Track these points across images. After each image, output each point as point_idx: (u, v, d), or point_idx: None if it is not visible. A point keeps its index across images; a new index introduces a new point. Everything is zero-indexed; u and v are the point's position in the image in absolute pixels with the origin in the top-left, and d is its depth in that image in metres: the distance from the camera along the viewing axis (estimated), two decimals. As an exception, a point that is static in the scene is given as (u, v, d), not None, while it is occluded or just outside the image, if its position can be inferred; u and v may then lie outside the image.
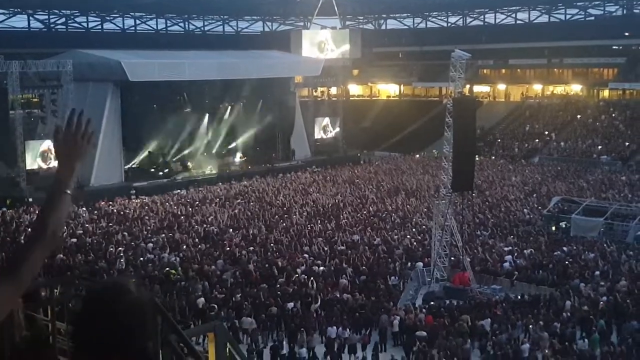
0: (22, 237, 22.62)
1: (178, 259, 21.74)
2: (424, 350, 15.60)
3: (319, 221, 27.36)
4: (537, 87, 58.46)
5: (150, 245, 23.33)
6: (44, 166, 32.73)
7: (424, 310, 18.43)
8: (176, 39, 61.67)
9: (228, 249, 23.11)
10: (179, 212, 29.24)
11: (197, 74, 38.28)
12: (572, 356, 15.30)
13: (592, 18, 59.60)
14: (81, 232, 25.16)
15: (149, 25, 64.58)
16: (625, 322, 17.00)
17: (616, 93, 54.59)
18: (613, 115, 50.64)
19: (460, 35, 58.75)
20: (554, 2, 59.41)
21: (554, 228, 26.67)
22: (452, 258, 22.09)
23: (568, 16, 60.72)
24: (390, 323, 17.29)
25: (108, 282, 1.85)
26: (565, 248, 23.58)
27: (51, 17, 58.63)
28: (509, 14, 63.14)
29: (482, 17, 64.48)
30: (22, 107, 33.37)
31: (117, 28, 62.57)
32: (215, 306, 17.39)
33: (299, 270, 20.57)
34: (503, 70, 60.94)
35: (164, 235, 24.81)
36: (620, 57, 54.87)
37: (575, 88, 56.74)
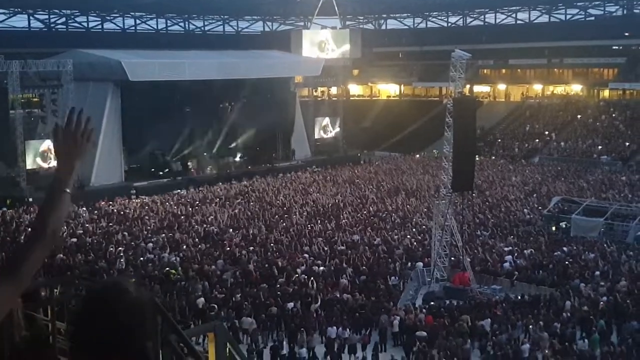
0: (22, 237, 22.62)
1: (178, 258, 21.74)
2: (424, 350, 15.59)
3: (319, 221, 27.36)
4: (538, 87, 58.45)
5: (151, 245, 23.33)
6: (44, 166, 32.73)
7: (424, 310, 18.43)
8: (176, 38, 61.66)
9: (228, 249, 23.11)
10: (179, 212, 29.24)
11: (197, 73, 38.26)
12: (572, 356, 15.30)
13: (592, 18, 59.60)
14: (81, 231, 25.16)
15: (149, 25, 64.59)
16: (625, 322, 17.00)
17: (616, 93, 54.59)
18: (613, 115, 50.64)
19: (460, 35, 58.73)
20: (554, 2, 59.42)
21: (554, 228, 26.67)
22: (452, 258, 22.08)
23: (568, 16, 60.73)
24: (390, 323, 17.29)
25: (107, 282, 1.84)
26: (565, 248, 23.58)
27: (51, 16, 58.64)
28: (509, 14, 63.14)
29: (483, 17, 64.48)
30: (22, 106, 33.35)
31: (118, 28, 62.57)
32: (215, 306, 17.39)
33: (299, 270, 20.57)
34: (503, 70, 60.94)
35: (164, 235, 24.81)
36: (621, 57, 54.87)
37: (576, 88, 56.74)
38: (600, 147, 45.77)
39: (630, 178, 37.76)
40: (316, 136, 48.26)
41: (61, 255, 21.01)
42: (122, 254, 21.78)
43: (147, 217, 28.13)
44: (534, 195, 32.96)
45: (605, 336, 16.50)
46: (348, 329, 16.88)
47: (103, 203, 30.96)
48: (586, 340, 16.21)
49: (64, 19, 59.71)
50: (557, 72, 58.73)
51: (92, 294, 1.80)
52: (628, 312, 17.40)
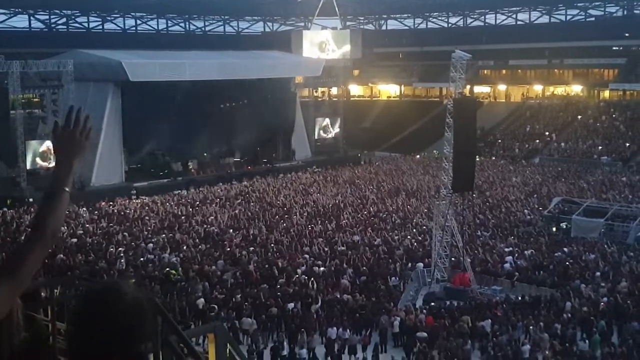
0: (23, 237, 22.61)
1: (178, 259, 21.72)
2: (425, 351, 15.58)
3: (319, 222, 27.35)
4: (538, 88, 58.45)
5: (151, 245, 23.32)
6: (45, 166, 32.72)
7: (424, 311, 18.41)
8: (177, 39, 61.70)
9: (228, 249, 23.09)
10: (180, 213, 29.24)
11: (197, 74, 38.26)
12: (573, 357, 15.28)
13: (593, 19, 59.62)
14: (81, 232, 25.15)
15: (149, 26, 64.64)
16: (626, 323, 16.99)
17: (617, 94, 54.60)
18: (613, 116, 50.64)
19: (460, 35, 58.75)
20: (555, 2, 59.44)
21: (554, 229, 26.65)
22: (453, 259, 22.06)
23: (568, 17, 60.76)
24: (391, 324, 17.27)
25: (105, 283, 1.83)
26: (565, 249, 23.57)
27: (52, 17, 58.70)
28: (509, 14, 63.16)
29: (483, 17, 64.51)
30: (22, 107, 33.35)
31: (118, 28, 62.62)
32: (216, 307, 17.38)
33: (299, 271, 20.56)
34: (503, 71, 60.95)
35: (164, 235, 24.79)
36: (621, 57, 54.91)
37: (576, 89, 56.75)
38: (600, 147, 45.77)
39: (631, 179, 37.74)
40: (316, 136, 48.26)
41: (61, 256, 21.01)
42: (122, 255, 21.78)
43: (147, 218, 28.12)
44: (535, 195, 32.95)
45: (605, 337, 16.49)
46: (348, 330, 16.86)
47: (103, 203, 30.96)
48: (587, 341, 16.20)
49: (64, 19, 59.77)
50: (557, 73, 58.73)
51: (89, 295, 1.79)
52: (629, 312, 17.38)
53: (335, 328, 16.64)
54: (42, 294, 3.45)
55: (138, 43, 51.54)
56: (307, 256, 22.26)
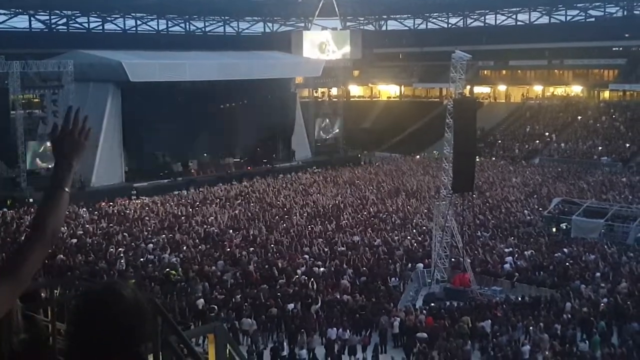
0: (23, 238, 22.57)
1: (178, 259, 21.72)
2: (425, 351, 15.58)
3: (319, 222, 27.35)
4: (538, 88, 58.46)
5: (151, 245, 23.32)
6: (45, 166, 32.72)
7: (424, 311, 18.41)
8: (177, 39, 61.72)
9: (228, 249, 23.09)
10: (180, 213, 29.24)
11: (197, 74, 38.28)
12: (573, 358, 15.28)
13: (593, 19, 59.65)
14: (81, 232, 25.15)
15: (150, 26, 64.65)
16: (626, 323, 16.99)
17: (617, 94, 54.61)
18: (613, 116, 50.65)
19: (460, 36, 58.77)
20: (555, 3, 59.47)
21: (554, 229, 26.65)
22: (453, 259, 22.05)
23: (568, 17, 60.78)
24: (391, 324, 17.27)
25: (105, 283, 1.84)
26: (565, 249, 23.56)
27: (52, 17, 58.72)
28: (509, 15, 63.17)
29: (483, 18, 64.52)
30: (23, 107, 33.36)
31: (118, 29, 62.63)
32: (216, 307, 17.37)
33: (299, 271, 20.56)
34: (503, 71, 60.95)
35: (164, 235, 24.80)
36: (621, 58, 54.93)
37: (576, 89, 56.76)
38: (600, 148, 45.78)
39: (631, 179, 37.75)
40: (316, 137, 48.27)
41: (61, 256, 21.01)
42: (122, 255, 21.78)
43: (147, 218, 28.12)
44: (535, 196, 32.95)
45: (605, 338, 16.48)
46: (348, 330, 16.86)
47: (103, 204, 30.96)
48: (587, 342, 16.19)
49: (64, 20, 59.79)
50: (557, 73, 58.74)
51: (89, 295, 1.79)
52: (629, 313, 17.38)
53: (335, 328, 16.64)
54: (42, 294, 3.45)
55: (138, 43, 51.54)
56: (307, 257, 22.26)
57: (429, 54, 60.32)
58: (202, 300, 17.88)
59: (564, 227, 26.43)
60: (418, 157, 47.88)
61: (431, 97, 62.07)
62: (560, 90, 58.01)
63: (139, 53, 41.05)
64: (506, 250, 23.59)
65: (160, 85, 35.77)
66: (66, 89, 33.46)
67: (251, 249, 23.08)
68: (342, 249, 23.36)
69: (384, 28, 70.04)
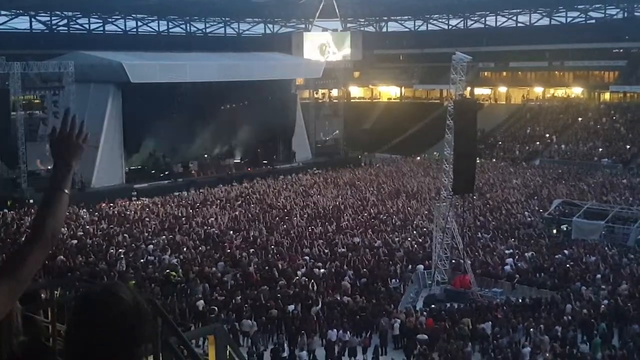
0: (23, 239, 22.58)
1: (178, 260, 21.72)
2: (425, 353, 15.56)
3: (319, 223, 27.33)
4: (538, 90, 58.48)
5: (151, 247, 23.32)
6: (45, 167, 32.72)
7: (424, 313, 18.40)
8: (177, 40, 61.79)
9: (229, 251, 23.08)
10: (180, 214, 29.24)
11: (198, 75, 38.30)
12: (573, 360, 15.26)
13: (593, 21, 59.66)
14: (82, 233, 25.15)
15: (150, 27, 64.70)
16: (627, 325, 16.98)
17: (617, 96, 54.62)
18: (614, 118, 50.66)
19: (461, 37, 58.81)
20: (555, 5, 59.48)
21: (555, 231, 26.63)
22: (453, 261, 22.04)
23: (569, 19, 60.80)
24: (391, 326, 17.25)
25: (105, 285, 1.83)
26: (566, 251, 23.55)
27: (53, 18, 58.78)
28: (509, 16, 63.19)
29: (483, 19, 64.53)
30: (23, 108, 33.38)
31: (119, 30, 62.67)
32: (216, 308, 17.36)
33: (299, 273, 20.55)
34: (504, 73, 60.97)
35: (164, 237, 24.79)
36: (621, 60, 54.91)
37: (576, 91, 56.79)
38: (601, 149, 45.77)
39: (631, 181, 37.73)
40: (317, 138, 48.27)
41: (62, 257, 21.01)
42: (122, 256, 21.78)
43: (147, 219, 28.12)
44: (535, 197, 32.93)
45: (606, 339, 16.47)
46: (348, 332, 16.84)
47: (104, 205, 30.96)
48: (587, 344, 16.18)
49: (65, 21, 59.84)
50: (557, 75, 58.76)
51: (89, 296, 1.79)
52: (629, 315, 17.37)
53: (335, 330, 16.62)
54: (43, 295, 3.44)
55: (139, 44, 51.59)
56: (307, 258, 22.25)
57: (430, 56, 60.35)
58: (202, 301, 17.87)
59: (565, 229, 26.41)
60: (418, 158, 47.88)
61: (431, 98, 62.08)
62: (560, 92, 58.03)
63: (140, 54, 41.08)
64: (507, 251, 23.58)
65: (161, 86, 35.79)
66: (67, 90, 33.47)
67: (251, 250, 23.07)
68: (343, 250, 23.35)
69: (384, 29, 70.08)
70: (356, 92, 65.62)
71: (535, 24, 62.03)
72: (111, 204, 31.30)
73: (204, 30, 67.50)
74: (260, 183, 37.72)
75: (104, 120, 34.87)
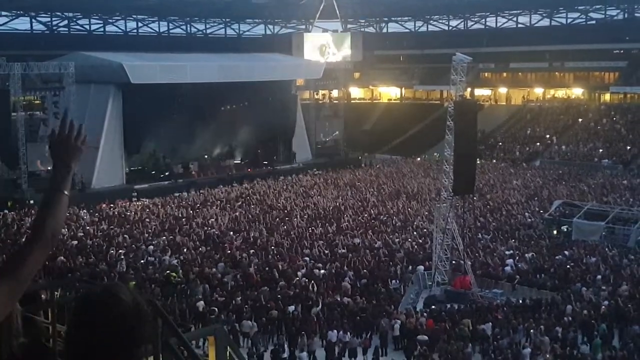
0: (23, 240, 22.58)
1: (179, 261, 21.72)
2: (425, 354, 15.56)
3: (320, 224, 27.33)
4: (539, 91, 58.49)
5: (151, 247, 23.31)
6: (45, 168, 32.73)
7: (425, 314, 18.40)
8: (178, 41, 61.83)
9: (229, 251, 23.08)
10: (180, 215, 29.24)
11: (198, 76, 38.30)
12: (574, 361, 15.25)
13: (594, 22, 59.67)
14: (82, 234, 25.16)
15: (151, 28, 64.74)
16: (627, 326, 16.98)
17: (617, 97, 54.63)
18: (614, 119, 50.66)
19: (461, 38, 58.84)
20: (555, 5, 59.49)
21: (555, 232, 26.63)
22: (453, 262, 22.04)
23: (569, 20, 60.80)
24: (391, 327, 17.24)
25: (105, 286, 1.83)
26: (566, 252, 23.54)
27: (53, 19, 58.82)
28: (510, 17, 63.20)
29: (484, 20, 64.55)
30: (24, 109, 33.39)
31: (119, 30, 62.71)
32: (216, 309, 17.36)
33: (299, 274, 20.54)
34: (504, 74, 60.99)
35: (164, 237, 24.79)
36: (622, 60, 54.91)
37: (577, 92, 56.79)
38: (601, 150, 45.77)
39: (632, 182, 37.73)
40: (317, 139, 48.28)
41: (62, 258, 21.01)
42: (122, 257, 21.78)
43: (147, 220, 28.12)
44: (535, 198, 32.93)
45: (606, 340, 16.46)
46: (349, 333, 16.83)
47: (104, 205, 30.96)
48: (588, 345, 16.17)
49: (66, 22, 59.88)
50: (558, 76, 58.77)
51: (89, 297, 1.79)
52: (630, 316, 17.36)
53: (335, 331, 16.62)
54: (43, 296, 3.44)
55: (139, 45, 51.61)
56: (307, 259, 22.25)
57: (430, 56, 60.37)
58: (202, 302, 17.87)
59: (565, 230, 26.41)
60: (419, 159, 47.89)
61: (432, 99, 62.09)
62: (561, 93, 58.04)
63: (140, 55, 41.10)
64: (507, 252, 23.57)
65: (161, 87, 35.79)
66: (67, 91, 33.49)
67: (252, 251, 23.07)
68: (343, 251, 23.35)
69: (384, 30, 70.10)
70: (356, 93, 65.64)
71: (536, 25, 62.04)
72: (111, 205, 31.29)
73: (204, 31, 67.53)
74: (260, 184, 37.72)
75: (104, 121, 34.89)
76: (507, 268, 21.90)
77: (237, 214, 29.38)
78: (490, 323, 17.32)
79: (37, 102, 36.45)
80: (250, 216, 28.89)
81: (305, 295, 18.72)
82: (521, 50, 57.68)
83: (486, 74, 61.17)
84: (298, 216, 28.64)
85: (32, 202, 29.74)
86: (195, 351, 3.34)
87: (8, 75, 32.09)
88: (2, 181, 34.05)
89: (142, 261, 21.84)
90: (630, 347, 15.86)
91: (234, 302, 18.13)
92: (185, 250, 23.15)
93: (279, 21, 68.48)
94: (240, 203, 32.09)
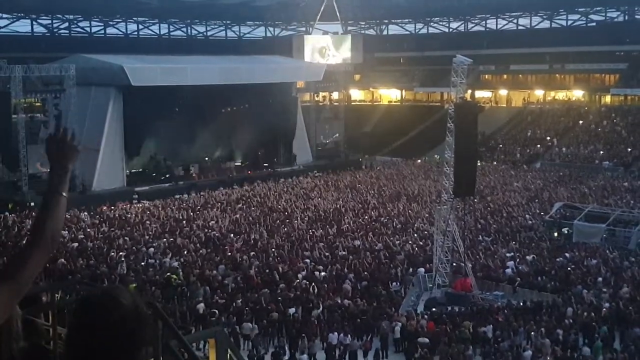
0: (24, 242, 22.57)
1: (179, 263, 21.70)
2: (426, 356, 15.55)
3: (320, 226, 27.32)
4: (539, 93, 58.50)
5: (152, 250, 23.30)
6: (45, 170, 32.77)
7: (425, 316, 18.38)
8: (179, 43, 61.86)
9: (229, 254, 23.07)
10: (181, 217, 29.24)
11: (199, 78, 38.34)
12: (575, 363, 15.23)
13: (594, 24, 59.69)
14: (83, 236, 25.15)
15: (151, 30, 64.81)
16: (628, 328, 16.95)
17: (618, 99, 54.62)
18: (615, 121, 50.65)
19: (461, 40, 58.86)
20: (556, 7, 59.54)
21: (556, 234, 26.60)
22: (454, 264, 22.02)
23: (570, 22, 60.83)
24: (392, 329, 17.22)
25: (105, 288, 1.83)
26: (567, 254, 23.53)
27: (54, 21, 58.90)
28: (510, 19, 63.24)
29: (484, 22, 64.60)
30: (24, 111, 33.41)
31: (120, 33, 62.80)
32: (216, 311, 17.35)
33: (300, 276, 20.53)
34: (505, 76, 61.02)
35: (165, 240, 24.79)
36: (622, 62, 54.92)
37: (577, 94, 56.78)
38: (602, 152, 45.75)
39: (632, 184, 37.72)
40: (317, 141, 48.30)
41: (62, 260, 21.01)
42: (123, 259, 21.76)
43: (148, 222, 28.12)
44: (536, 200, 32.91)
45: (608, 343, 16.44)
46: (349, 335, 16.81)
47: (105, 208, 30.97)
48: (589, 347, 16.14)
49: (66, 24, 59.95)
50: (558, 78, 58.79)
51: (89, 300, 1.79)
52: (631, 318, 17.34)
53: (336, 333, 16.60)
54: (44, 298, 3.44)
55: (140, 47, 51.66)
56: (308, 261, 22.23)
57: (430, 59, 60.41)
58: (202, 304, 17.86)
59: (566, 232, 26.39)
60: (419, 161, 47.89)
61: (432, 101, 62.12)
62: (561, 95, 58.03)
63: (141, 57, 41.15)
64: (508, 254, 23.55)
65: (162, 89, 35.82)
66: (68, 93, 33.52)
67: (252, 253, 23.06)
68: (343, 253, 23.34)
69: (385, 32, 70.17)
70: (357, 95, 65.67)
71: (536, 27, 62.06)
72: (112, 207, 31.30)
73: (205, 33, 67.61)
74: (260, 186, 37.72)
75: (105, 123, 34.91)
76: (508, 270, 21.88)
77: (238, 216, 29.37)
78: (491, 325, 17.30)
79: (38, 104, 36.47)
80: (250, 218, 28.88)
81: (306, 298, 18.70)
82: (521, 52, 57.72)
83: (486, 76, 61.20)
84: (298, 218, 28.63)
85: (32, 204, 29.73)
86: (195, 354, 3.33)
87: (9, 78, 32.13)
88: (2, 183, 34.08)
89: (142, 263, 21.83)
90: (631, 349, 15.84)
91: (234, 304, 18.11)
92: (185, 252, 23.15)
93: (279, 23, 68.56)
94: (240, 205, 32.08)
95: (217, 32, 68.39)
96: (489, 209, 30.79)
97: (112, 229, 26.79)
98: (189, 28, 66.52)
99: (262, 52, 51.98)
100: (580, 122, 51.71)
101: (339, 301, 18.69)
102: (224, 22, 67.06)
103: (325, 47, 58.67)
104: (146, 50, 49.46)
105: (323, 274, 20.92)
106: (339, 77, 51.13)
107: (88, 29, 61.00)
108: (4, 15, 54.62)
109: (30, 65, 33.37)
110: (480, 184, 32.26)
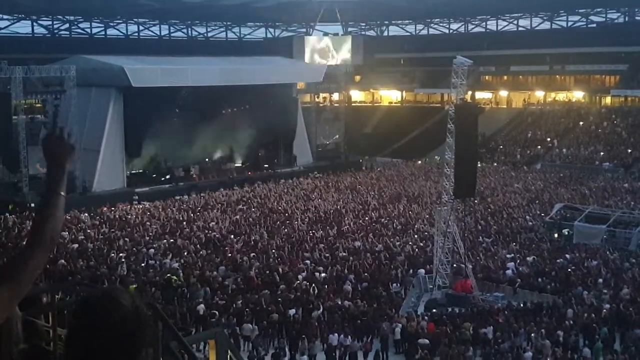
0: (24, 243, 22.57)
1: (179, 264, 21.70)
2: (426, 358, 15.54)
3: (320, 227, 27.32)
4: (539, 94, 58.50)
5: (152, 251, 23.31)
6: (45, 171, 32.76)
7: (426, 317, 18.38)
8: (179, 45, 61.90)
9: (229, 255, 23.07)
10: (181, 218, 29.24)
11: (199, 79, 38.35)
12: (575, 364, 15.22)
13: (594, 25, 59.73)
14: (83, 237, 25.15)
15: (152, 31, 64.88)
16: (629, 330, 16.95)
17: (618, 100, 54.62)
18: (615, 122, 50.65)
19: (462, 41, 58.84)
20: (556, 9, 59.57)
21: (556, 235, 26.59)
22: (454, 265, 22.02)
23: (570, 23, 60.86)
24: (392, 330, 17.22)
25: (105, 289, 1.83)
26: (567, 255, 23.52)
27: (55, 22, 58.97)
28: (510, 20, 63.28)
29: (484, 23, 64.65)
30: (25, 112, 33.43)
31: (121, 34, 62.87)
32: (217, 312, 17.35)
33: (300, 277, 20.52)
34: (505, 77, 61.03)
35: (165, 241, 24.79)
36: (623, 64, 54.93)
37: (578, 95, 56.79)
38: (602, 154, 45.74)
39: (633, 185, 37.71)
40: (318, 142, 48.31)
41: (63, 261, 21.01)
42: (123, 260, 21.76)
43: (148, 223, 28.12)
44: (536, 202, 32.90)
45: (608, 344, 16.43)
46: (349, 336, 16.81)
47: (105, 209, 30.97)
48: (589, 349, 16.13)
49: (67, 25, 60.02)
50: (559, 79, 58.81)
51: (88, 301, 1.79)
52: (631, 319, 17.34)
53: (336, 334, 16.59)
54: (44, 299, 3.44)
55: (140, 49, 51.66)
56: (308, 262, 22.23)
57: (431, 60, 60.40)
58: (203, 305, 17.85)
59: (566, 233, 26.38)
60: (419, 162, 47.88)
61: (432, 102, 62.14)
62: (561, 96, 58.04)
63: (141, 58, 41.16)
64: (508, 256, 23.54)
65: (162, 90, 35.83)
66: (68, 94, 33.53)
67: (252, 254, 23.05)
68: (344, 254, 23.33)
69: (385, 33, 70.21)
70: (357, 96, 65.69)
71: (536, 28, 62.10)
72: (112, 208, 31.30)
73: (205, 34, 67.67)
74: (261, 187, 37.72)
75: (105, 124, 34.92)
76: (508, 271, 21.88)
77: (238, 217, 29.37)
78: (492, 327, 17.30)
79: (39, 105, 36.50)
80: (251, 219, 28.89)
81: (306, 299, 18.69)
82: (522, 54, 57.73)
83: (487, 77, 61.21)
84: (299, 219, 28.63)
85: (32, 205, 29.73)
86: (196, 355, 3.33)
87: (9, 79, 32.14)
88: (3, 184, 34.09)
89: (142, 264, 21.83)
90: (631, 350, 15.83)
91: (234, 305, 18.11)
92: (186, 253, 23.15)
93: (280, 24, 68.60)
94: (241, 206, 32.08)
95: (217, 33, 68.45)
96: (489, 210, 30.79)
97: (113, 230, 26.79)
98: (189, 29, 66.58)
99: (263, 53, 52.01)
100: (581, 123, 51.71)
101: (339, 302, 18.68)
102: (225, 23, 67.12)
103: (327, 48, 58.69)
104: (147, 51, 49.46)
105: (323, 275, 20.91)
106: (339, 78, 51.15)
107: (89, 30, 61.05)
108: (5, 16, 54.69)
109: (31, 66, 33.39)
110: (481, 185, 32.26)
